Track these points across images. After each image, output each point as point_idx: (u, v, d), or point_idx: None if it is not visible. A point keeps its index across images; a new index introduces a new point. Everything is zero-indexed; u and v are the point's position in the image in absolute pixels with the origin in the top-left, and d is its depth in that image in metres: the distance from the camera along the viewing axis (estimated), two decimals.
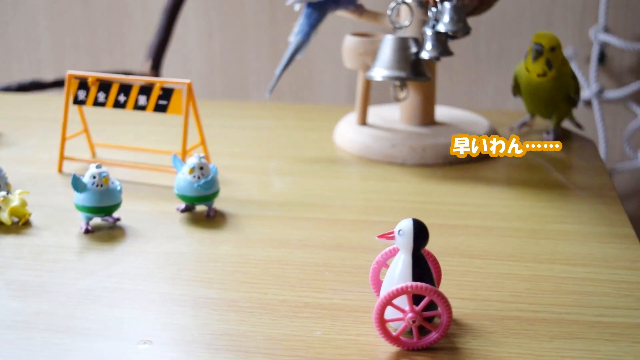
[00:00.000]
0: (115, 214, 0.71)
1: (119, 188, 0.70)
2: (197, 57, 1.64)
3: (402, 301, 0.50)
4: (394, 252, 0.54)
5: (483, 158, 0.88)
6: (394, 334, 0.51)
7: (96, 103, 0.82)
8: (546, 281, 0.60)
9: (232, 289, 0.59)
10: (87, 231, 0.69)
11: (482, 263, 0.63)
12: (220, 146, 0.91)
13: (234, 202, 0.75)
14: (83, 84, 0.82)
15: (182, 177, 0.71)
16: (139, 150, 0.88)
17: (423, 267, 0.51)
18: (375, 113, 0.96)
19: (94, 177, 0.68)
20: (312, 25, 0.89)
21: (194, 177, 0.70)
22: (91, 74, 0.81)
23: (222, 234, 0.68)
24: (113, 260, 0.64)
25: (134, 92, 0.80)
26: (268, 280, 0.60)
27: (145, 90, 0.80)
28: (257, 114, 1.09)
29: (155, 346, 0.51)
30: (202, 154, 0.71)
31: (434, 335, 0.51)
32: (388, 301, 0.50)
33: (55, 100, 1.19)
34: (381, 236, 0.53)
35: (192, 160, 0.71)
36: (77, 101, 0.83)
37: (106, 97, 0.81)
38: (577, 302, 0.57)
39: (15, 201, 0.70)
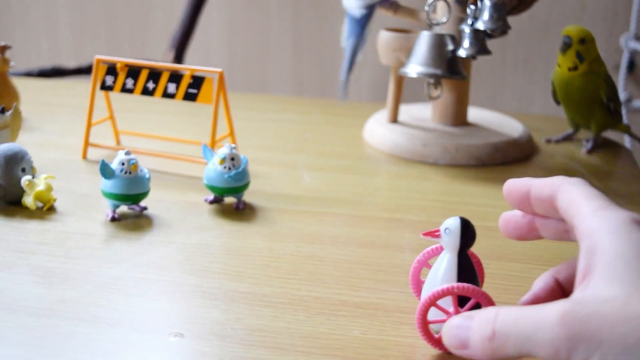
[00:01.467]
0: (142, 203, 0.69)
1: (147, 176, 0.68)
2: (218, 49, 1.62)
3: (446, 303, 0.48)
4: (436, 252, 0.52)
5: (517, 161, 0.86)
6: (436, 336, 0.49)
7: (124, 89, 0.80)
8: None
9: (264, 284, 0.57)
10: (113, 219, 0.67)
11: (522, 267, 0.61)
12: (248, 138, 0.90)
13: (263, 195, 0.73)
14: (111, 70, 0.80)
15: (213, 168, 0.69)
16: (164, 139, 0.86)
17: (468, 268, 0.49)
18: (406, 111, 0.94)
19: (123, 164, 0.66)
20: (363, 25, 0.89)
21: (225, 167, 0.68)
22: (120, 60, 0.80)
23: (252, 227, 0.66)
24: (140, 249, 0.62)
25: (163, 80, 0.78)
26: (301, 277, 0.58)
27: (175, 78, 0.78)
28: (281, 108, 1.07)
29: (187, 339, 0.49)
30: (233, 145, 0.69)
31: None
32: (432, 302, 0.47)
33: (77, 86, 1.18)
34: (426, 234, 0.51)
35: (224, 151, 0.69)
36: (104, 87, 0.81)
37: (134, 84, 0.80)
38: None
39: (40, 185, 0.68)
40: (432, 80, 0.86)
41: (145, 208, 0.69)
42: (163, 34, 1.58)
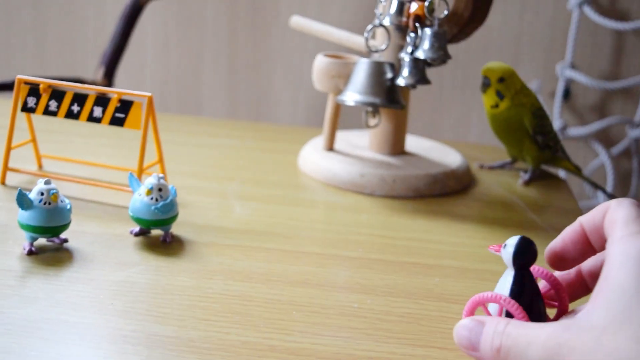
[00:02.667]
0: (63, 235, 0.65)
1: (68, 207, 0.64)
2: (151, 68, 1.58)
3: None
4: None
5: (455, 192, 0.84)
6: None
7: (47, 112, 0.76)
8: None
9: (190, 327, 0.53)
10: (30, 252, 0.63)
11: (460, 309, 0.58)
12: (177, 164, 0.86)
13: (192, 227, 0.70)
14: (34, 90, 0.76)
15: (139, 199, 0.65)
16: (90, 165, 0.82)
17: (525, 285, 0.48)
18: (343, 138, 0.92)
19: (42, 194, 0.62)
20: None
21: (152, 199, 0.65)
22: (43, 80, 0.75)
23: (180, 263, 0.63)
24: (58, 287, 0.58)
25: (89, 103, 0.74)
26: (229, 318, 0.55)
27: (102, 101, 0.74)
28: (214, 132, 1.04)
29: None
30: (161, 175, 0.66)
31: None
32: (476, 304, 0.49)
33: None
34: (491, 247, 0.51)
35: (151, 181, 0.65)
36: (25, 108, 0.77)
37: (58, 106, 0.75)
38: None
39: None
40: (370, 109, 0.84)
41: (65, 240, 0.65)
42: (95, 50, 1.53)
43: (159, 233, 0.68)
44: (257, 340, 0.52)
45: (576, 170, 0.91)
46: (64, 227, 0.63)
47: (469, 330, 0.46)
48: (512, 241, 0.48)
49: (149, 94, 0.73)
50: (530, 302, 0.48)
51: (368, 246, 0.69)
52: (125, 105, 0.73)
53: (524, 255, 0.48)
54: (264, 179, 0.85)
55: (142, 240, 0.67)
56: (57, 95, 0.75)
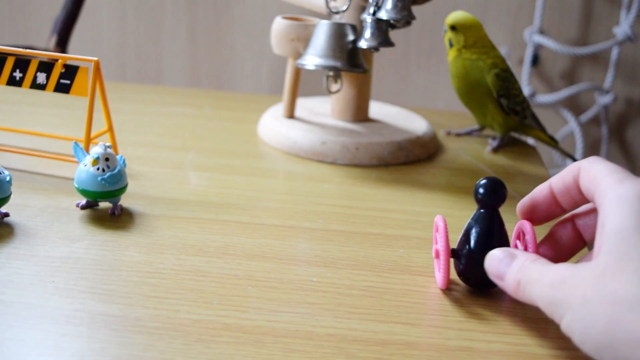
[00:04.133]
0: (3, 209, 0.61)
1: (8, 179, 0.59)
2: (108, 36, 1.52)
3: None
4: None
5: (421, 160, 0.81)
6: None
7: None
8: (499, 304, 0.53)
9: (138, 305, 0.50)
10: None
11: (425, 281, 0.55)
12: (130, 134, 0.82)
13: (143, 200, 0.66)
14: None
15: (84, 169, 0.61)
16: (35, 135, 0.78)
17: (496, 224, 0.52)
18: (303, 105, 0.88)
19: None
20: None
21: (98, 169, 0.61)
22: None
23: (129, 237, 0.59)
24: None
25: (32, 69, 0.70)
26: (180, 295, 0.51)
27: (46, 66, 0.70)
28: (172, 101, 1.00)
29: None
30: (108, 143, 0.62)
31: None
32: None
33: None
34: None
35: (97, 150, 0.61)
36: None
37: None
38: (538, 332, 0.50)
39: None
40: (331, 73, 0.80)
41: (6, 215, 0.61)
42: (48, 18, 1.47)
43: (107, 206, 0.64)
44: (209, 318, 0.48)
45: (551, 142, 0.88)
46: (4, 200, 0.59)
47: (499, 261, 0.48)
48: (482, 181, 0.51)
49: (95, 58, 0.68)
50: (505, 239, 0.51)
51: (329, 217, 0.65)
52: (71, 71, 0.69)
53: (495, 193, 0.51)
54: (221, 149, 0.81)
55: (89, 213, 0.63)
56: None
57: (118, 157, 0.63)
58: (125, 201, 0.65)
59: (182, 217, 0.63)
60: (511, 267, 0.47)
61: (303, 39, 0.80)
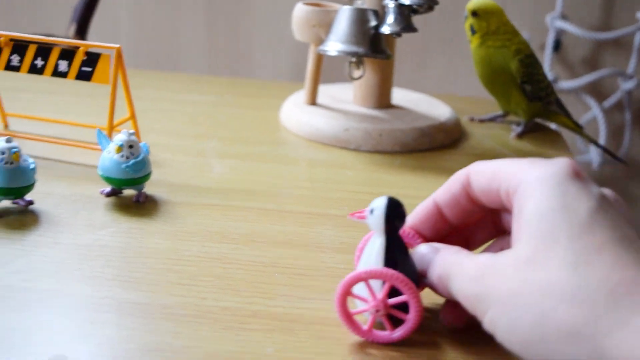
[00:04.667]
0: (28, 197, 0.61)
1: (32, 167, 0.59)
2: (126, 24, 1.52)
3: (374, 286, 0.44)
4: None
5: (444, 146, 0.80)
6: (365, 327, 0.44)
7: (8, 67, 0.71)
8: None
9: (165, 292, 0.49)
10: None
11: None
12: (151, 122, 0.82)
13: (167, 187, 0.66)
14: None
15: (108, 157, 0.61)
16: (57, 122, 0.77)
17: (398, 251, 0.44)
18: (325, 92, 0.88)
19: (3, 153, 0.58)
20: None
21: (122, 156, 0.60)
22: (3, 33, 0.71)
23: (154, 225, 0.59)
24: (22, 252, 0.53)
25: (53, 56, 0.70)
26: (207, 282, 0.51)
27: (67, 54, 0.69)
28: (191, 88, 0.99)
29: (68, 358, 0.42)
30: (131, 131, 0.61)
31: (401, 329, 0.44)
32: (346, 290, 0.44)
33: None
34: (352, 215, 0.46)
35: (121, 137, 0.61)
36: None
37: (21, 61, 0.70)
38: None
39: None
40: (353, 60, 0.79)
41: (31, 202, 0.61)
42: (67, 6, 1.47)
43: (131, 193, 0.64)
44: (236, 305, 0.48)
45: (575, 128, 0.87)
46: (28, 188, 0.59)
47: (422, 256, 0.44)
48: (379, 203, 0.44)
49: (117, 45, 0.68)
50: (410, 267, 0.45)
51: (353, 204, 0.65)
52: (92, 59, 0.69)
53: (400, 218, 0.44)
54: (243, 136, 0.81)
55: (113, 201, 0.63)
56: (19, 49, 0.70)
57: (142, 144, 0.62)
58: (148, 189, 0.64)
59: (205, 204, 0.63)
60: (433, 261, 0.43)
61: (324, 25, 0.79)
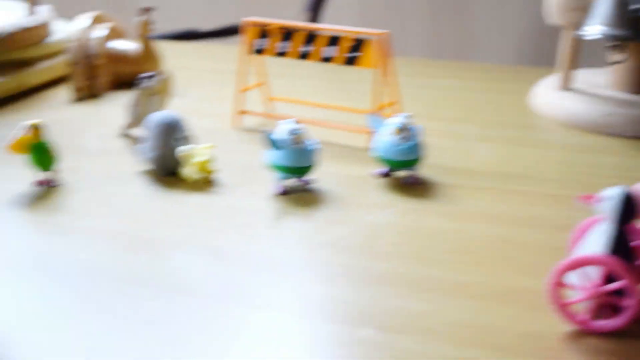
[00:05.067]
0: (312, 175, 0.64)
1: (315, 147, 0.62)
2: (349, 11, 1.55)
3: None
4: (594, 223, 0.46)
5: None
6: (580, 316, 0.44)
7: (277, 53, 0.74)
8: None
9: (460, 272, 0.50)
10: (281, 193, 0.62)
11: None
12: (408, 107, 0.83)
13: (435, 169, 0.67)
14: (263, 32, 0.75)
15: (386, 139, 0.63)
16: (319, 106, 0.80)
17: (624, 243, 0.43)
18: (578, 77, 0.86)
19: (290, 134, 0.61)
20: None
21: (400, 138, 0.62)
22: (272, 21, 0.74)
23: (432, 206, 0.60)
24: (315, 228, 0.56)
25: (320, 42, 0.72)
26: (499, 263, 0.51)
27: (335, 40, 0.72)
28: (434, 73, 1.00)
29: (380, 334, 0.43)
30: (409, 113, 0.63)
31: (620, 318, 0.43)
32: (560, 275, 0.43)
33: (214, 50, 1.14)
34: (582, 198, 0.45)
35: (398, 120, 0.63)
36: (255, 50, 0.76)
37: (289, 47, 0.74)
38: None
39: (200, 156, 0.64)
40: (614, 44, 0.77)
41: (312, 181, 0.64)
42: None
43: (402, 175, 0.65)
44: (538, 287, 0.48)
45: None
46: (309, 168, 0.62)
47: None
48: (615, 192, 0.43)
49: (384, 31, 0.70)
50: (632, 262, 0.44)
51: None
52: (359, 44, 0.71)
53: (632, 211, 0.43)
54: (497, 120, 0.80)
55: (386, 182, 0.64)
56: (288, 36, 0.74)
57: (416, 127, 0.64)
58: (418, 171, 0.66)
59: (477, 187, 0.63)
60: None
61: (582, 9, 0.78)
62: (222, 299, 0.47)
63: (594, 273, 0.43)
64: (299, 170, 0.61)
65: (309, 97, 0.83)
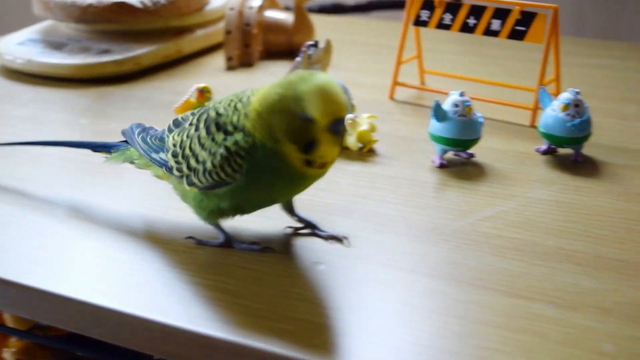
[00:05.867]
0: (470, 150, 0.63)
1: (481, 120, 0.62)
2: None
3: None
4: None
5: None
6: None
7: (440, 25, 0.74)
8: None
9: (631, 251, 0.49)
10: (441, 165, 0.62)
11: None
12: (568, 85, 0.81)
13: (600, 148, 0.65)
14: (428, 4, 0.74)
15: (553, 114, 0.62)
16: (472, 80, 0.79)
17: None
18: None
19: (457, 106, 0.60)
20: None
21: (568, 115, 0.61)
22: None
23: (600, 184, 0.59)
24: (481, 202, 0.56)
25: (486, 15, 0.71)
26: None
27: (501, 13, 0.71)
28: (586, 52, 0.97)
29: (561, 310, 0.43)
30: (577, 90, 0.62)
31: None
32: None
33: (360, 23, 1.14)
34: None
35: (567, 96, 0.61)
36: (418, 22, 0.75)
37: (453, 19, 0.73)
38: None
39: (363, 125, 0.64)
40: None
41: (472, 155, 0.63)
42: None
43: (566, 152, 0.64)
44: None
45: None
46: (475, 141, 0.62)
47: None
48: None
49: (554, 5, 0.68)
50: None
51: None
52: (527, 18, 0.69)
53: None
54: None
55: (550, 159, 0.63)
56: (453, 8, 0.73)
57: (585, 105, 0.62)
58: (583, 149, 0.64)
59: None
60: None
61: None
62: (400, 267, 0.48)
63: None
64: (462, 143, 0.61)
65: (459, 73, 0.82)
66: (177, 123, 0.50)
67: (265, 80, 0.83)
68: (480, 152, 0.64)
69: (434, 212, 0.54)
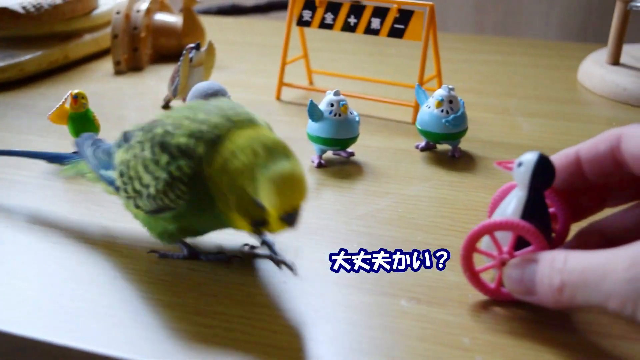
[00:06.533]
0: (349, 149, 0.63)
1: (357, 119, 0.62)
2: None
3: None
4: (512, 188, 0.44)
5: None
6: (491, 285, 0.43)
7: (322, 25, 0.74)
8: None
9: None
10: (319, 165, 0.62)
11: None
12: (451, 81, 0.82)
13: (478, 143, 0.66)
14: (309, 4, 0.74)
15: (428, 111, 0.62)
16: (360, 79, 0.80)
17: (537, 209, 0.41)
18: (627, 52, 0.84)
19: (332, 105, 0.60)
20: None
21: (442, 111, 0.61)
22: None
23: (475, 179, 0.59)
24: (356, 200, 0.56)
25: (366, 14, 0.72)
26: None
27: (380, 12, 0.71)
28: (479, 48, 0.99)
29: (422, 305, 0.43)
30: (451, 86, 0.62)
31: None
32: (471, 244, 0.42)
33: (257, 25, 1.14)
34: (499, 163, 0.43)
35: (441, 92, 0.62)
36: (301, 22, 0.75)
37: (334, 19, 0.73)
38: None
39: None
40: None
41: (352, 154, 0.63)
42: None
43: (444, 148, 0.65)
44: None
45: None
46: (352, 139, 0.62)
47: (522, 271, 0.40)
48: (529, 157, 0.41)
49: (430, 2, 0.69)
50: (546, 228, 0.41)
51: None
52: (405, 16, 0.70)
53: (547, 177, 0.41)
54: (543, 95, 0.79)
55: (428, 155, 0.64)
56: (333, 7, 0.73)
57: (459, 100, 0.63)
58: (461, 144, 0.65)
59: None
60: (537, 274, 0.38)
61: None
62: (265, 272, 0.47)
63: (505, 239, 0.42)
64: (339, 142, 0.61)
65: (349, 71, 0.82)
66: (127, 137, 0.48)
67: (154, 85, 0.83)
68: (360, 150, 0.64)
69: (308, 213, 0.54)
